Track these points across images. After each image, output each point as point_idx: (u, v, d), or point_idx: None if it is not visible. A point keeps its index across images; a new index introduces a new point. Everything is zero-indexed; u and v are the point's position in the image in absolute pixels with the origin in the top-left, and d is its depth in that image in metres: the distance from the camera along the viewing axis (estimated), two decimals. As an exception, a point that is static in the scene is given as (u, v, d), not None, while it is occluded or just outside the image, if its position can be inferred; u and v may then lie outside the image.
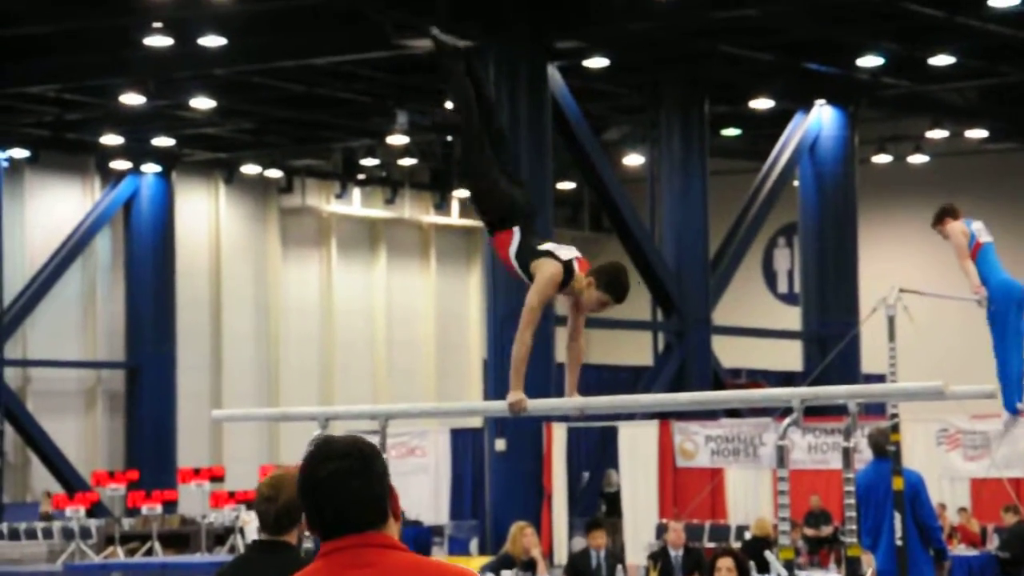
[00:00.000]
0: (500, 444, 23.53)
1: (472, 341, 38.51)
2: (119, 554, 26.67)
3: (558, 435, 24.02)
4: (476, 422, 25.79)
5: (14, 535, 27.21)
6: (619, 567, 15.11)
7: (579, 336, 8.25)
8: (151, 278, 33.51)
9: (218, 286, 35.49)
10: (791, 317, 31.87)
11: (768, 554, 16.34)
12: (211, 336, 35.32)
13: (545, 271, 7.91)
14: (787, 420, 7.46)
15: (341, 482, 3.44)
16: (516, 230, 8.05)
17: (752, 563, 12.51)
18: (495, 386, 23.45)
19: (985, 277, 11.86)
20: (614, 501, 24.33)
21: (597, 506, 25.35)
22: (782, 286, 37.97)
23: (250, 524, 26.16)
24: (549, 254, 7.97)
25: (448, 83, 8.54)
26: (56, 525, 27.18)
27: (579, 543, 22.68)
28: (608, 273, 8.00)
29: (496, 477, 23.69)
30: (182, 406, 33.40)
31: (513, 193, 8.14)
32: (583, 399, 8.47)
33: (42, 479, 32.18)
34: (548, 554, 22.25)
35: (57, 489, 30.42)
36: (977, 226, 12.02)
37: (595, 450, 26.32)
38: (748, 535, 18.94)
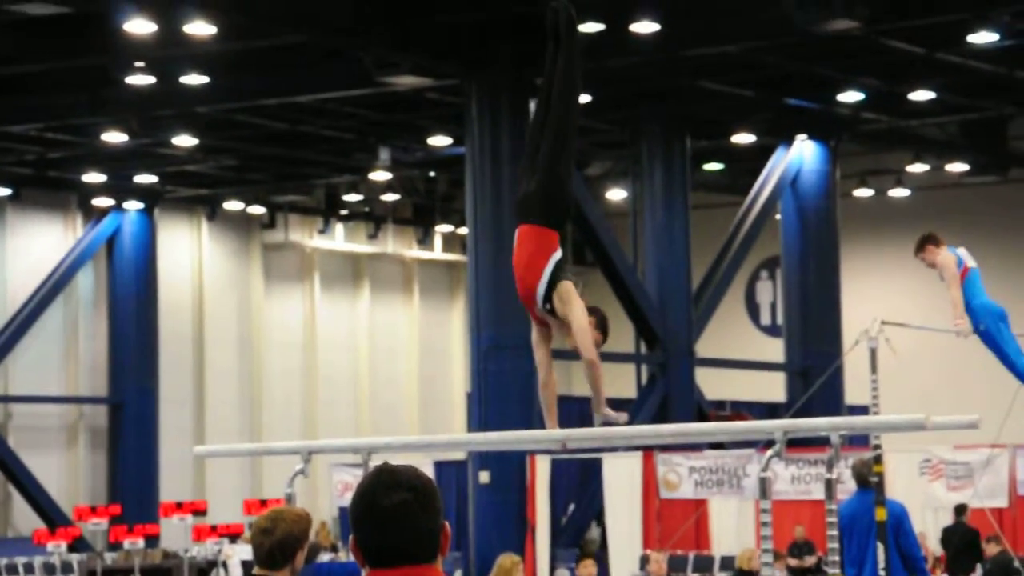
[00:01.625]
0: (484, 476, 23.53)
1: (455, 374, 38.52)
2: (101, 589, 26.61)
3: (542, 467, 24.04)
4: (460, 454, 25.80)
5: (-5, 570, 27.17)
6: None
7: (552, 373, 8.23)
8: (134, 314, 33.49)
9: (201, 322, 35.47)
10: (774, 349, 31.95)
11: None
12: (194, 371, 35.28)
13: (579, 302, 7.90)
14: (770, 452, 7.49)
15: (407, 514, 3.42)
16: (556, 237, 7.98)
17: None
18: (478, 419, 23.48)
19: (967, 301, 11.98)
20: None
21: (585, 537, 25.37)
22: (765, 318, 38.06)
23: (233, 558, 26.12)
24: (575, 284, 7.99)
25: (570, 57, 8.10)
26: (38, 560, 27.10)
27: (563, 575, 22.67)
28: (599, 315, 8.04)
29: (480, 509, 23.68)
30: (165, 441, 33.35)
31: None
32: (565, 431, 8.48)
33: (24, 514, 32.07)
34: (532, 587, 22.23)
35: (40, 524, 30.33)
36: (962, 252, 12.14)
37: (579, 482, 26.32)
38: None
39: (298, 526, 6.04)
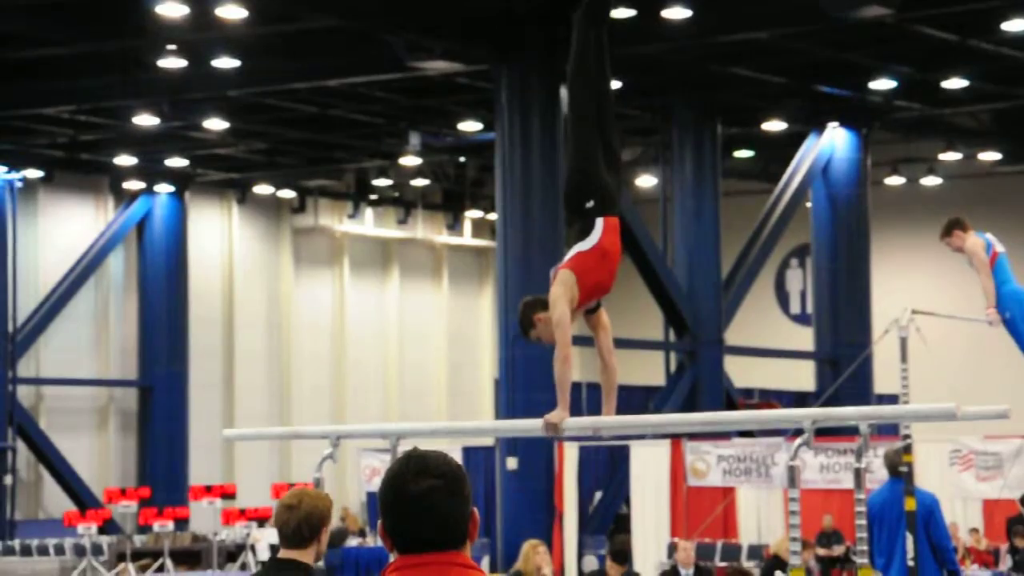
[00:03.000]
0: (512, 463, 23.55)
1: (484, 360, 38.54)
2: (131, 571, 26.70)
3: (570, 454, 24.02)
4: (488, 440, 25.83)
5: (26, 551, 27.27)
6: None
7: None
8: (164, 297, 33.61)
9: (231, 305, 35.57)
10: (804, 337, 31.87)
11: (779, 574, 16.42)
12: (223, 355, 35.39)
13: None
14: (798, 441, 7.46)
15: (436, 500, 3.41)
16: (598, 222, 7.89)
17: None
18: (506, 405, 23.49)
19: (996, 287, 11.88)
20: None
21: (617, 536, 25.41)
22: (795, 307, 37.97)
23: (261, 542, 26.21)
24: None
25: (580, 44, 7.98)
26: (68, 542, 27.23)
27: (590, 562, 22.67)
28: None
29: (508, 496, 23.70)
30: (194, 424, 33.47)
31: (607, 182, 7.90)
32: (593, 418, 8.46)
33: (55, 496, 32.23)
34: (559, 573, 22.24)
35: (70, 506, 30.48)
36: (991, 237, 12.03)
37: (607, 469, 26.32)
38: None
39: (322, 503, 6.05)
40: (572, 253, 7.86)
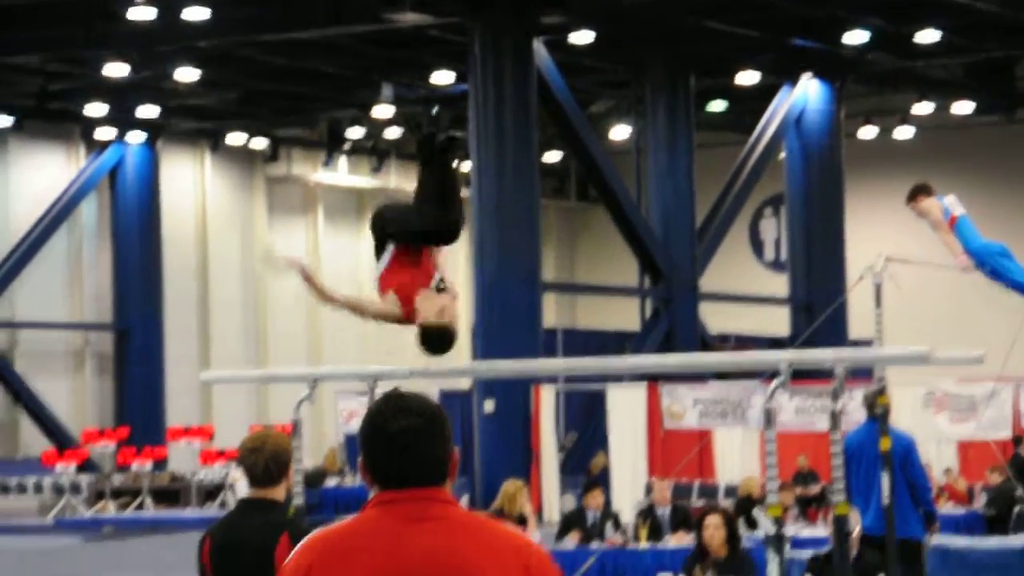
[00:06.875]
0: (489, 406, 23.68)
1: (458, 307, 38.63)
2: (110, 508, 26.79)
3: (546, 397, 24.15)
4: (465, 384, 25.95)
5: (4, 490, 27.37)
6: (609, 524, 15.33)
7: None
8: (137, 245, 33.53)
9: (205, 253, 35.52)
10: (778, 284, 32.05)
11: (757, 511, 16.56)
12: (199, 302, 35.35)
13: None
14: (775, 382, 7.53)
15: (414, 439, 3.49)
16: None
17: (740, 520, 12.74)
18: (482, 351, 23.61)
19: (966, 247, 12.04)
20: None
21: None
22: (769, 254, 38.14)
23: (240, 481, 26.30)
24: None
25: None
26: (47, 481, 27.29)
27: (569, 501, 22.85)
28: None
29: (485, 438, 23.84)
30: (171, 369, 33.44)
31: None
32: (569, 361, 8.53)
33: (32, 437, 32.20)
34: (537, 512, 22.44)
35: (48, 447, 30.47)
36: (949, 200, 12.19)
37: (583, 412, 26.42)
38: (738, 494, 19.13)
39: (285, 441, 6.17)
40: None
